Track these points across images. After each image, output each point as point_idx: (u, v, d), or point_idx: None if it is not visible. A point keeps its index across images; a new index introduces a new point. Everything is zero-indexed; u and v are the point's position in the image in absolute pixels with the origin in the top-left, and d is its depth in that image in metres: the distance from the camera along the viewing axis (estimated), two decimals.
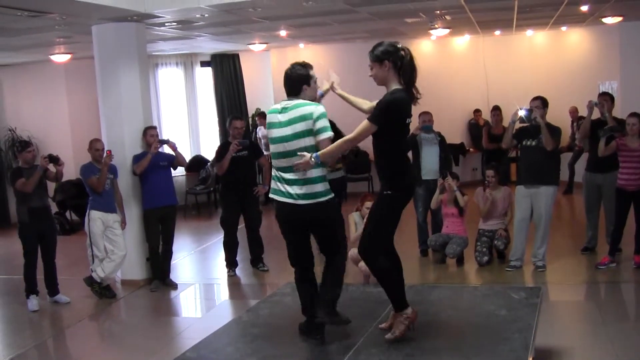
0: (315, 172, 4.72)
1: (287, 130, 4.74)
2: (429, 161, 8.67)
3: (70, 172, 10.85)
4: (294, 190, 4.74)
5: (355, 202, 8.24)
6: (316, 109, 4.72)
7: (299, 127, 4.71)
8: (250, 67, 15.00)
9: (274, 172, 4.90)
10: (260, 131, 13.47)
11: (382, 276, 4.78)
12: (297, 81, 4.84)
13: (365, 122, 4.57)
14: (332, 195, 4.86)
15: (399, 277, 4.86)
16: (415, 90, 4.64)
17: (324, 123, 4.70)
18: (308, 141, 4.72)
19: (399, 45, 4.63)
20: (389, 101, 4.54)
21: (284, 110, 4.81)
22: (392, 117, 4.56)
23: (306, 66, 4.88)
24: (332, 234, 4.96)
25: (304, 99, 4.82)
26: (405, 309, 4.78)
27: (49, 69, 13.13)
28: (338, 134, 5.20)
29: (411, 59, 4.61)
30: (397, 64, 4.56)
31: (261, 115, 13.77)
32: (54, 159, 7.74)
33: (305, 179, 4.71)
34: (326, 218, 4.89)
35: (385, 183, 4.73)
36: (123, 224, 8.29)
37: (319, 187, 4.76)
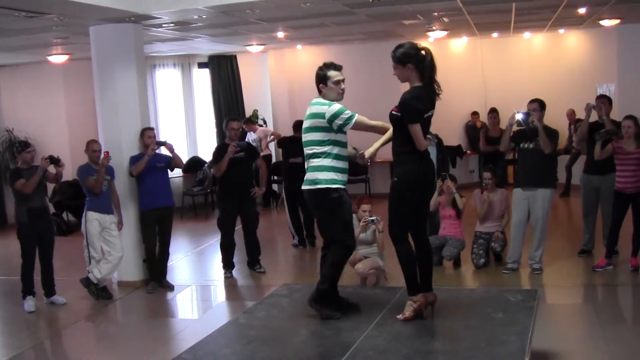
0: (315, 162, 5.24)
1: (304, 124, 5.33)
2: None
3: (68, 173, 10.80)
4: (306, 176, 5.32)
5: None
6: (329, 109, 5.18)
7: (308, 123, 5.28)
8: (248, 69, 14.97)
9: None
10: (251, 136, 13.46)
11: (399, 258, 5.13)
12: (316, 81, 5.33)
13: (410, 128, 4.88)
14: (331, 186, 5.21)
15: (411, 264, 5.09)
16: (436, 85, 4.97)
17: (343, 117, 5.15)
18: (312, 136, 5.25)
19: (419, 46, 4.94)
20: (406, 101, 4.88)
21: (310, 104, 5.33)
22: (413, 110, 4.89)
23: (328, 66, 5.29)
24: (322, 221, 5.49)
25: (325, 98, 5.26)
26: (414, 295, 5.08)
27: (46, 69, 13.10)
28: None
29: (431, 58, 4.92)
30: (419, 66, 4.88)
31: (248, 121, 13.74)
32: (55, 160, 7.73)
33: (310, 167, 5.29)
34: (315, 205, 5.37)
35: (397, 170, 5.06)
36: (120, 225, 8.29)
37: (319, 175, 5.23)
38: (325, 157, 5.23)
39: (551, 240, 8.69)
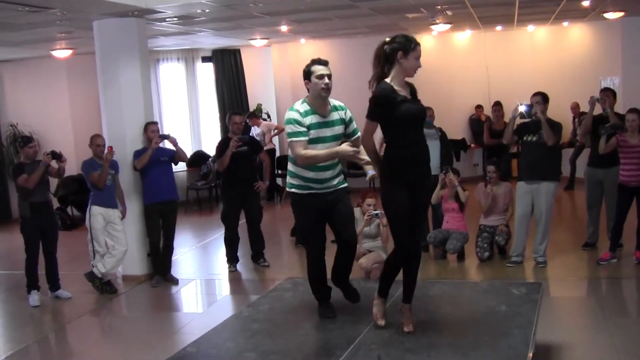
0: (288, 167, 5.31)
1: None
2: (430, 156, 8.64)
3: (72, 167, 10.84)
4: None
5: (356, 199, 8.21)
6: (286, 114, 5.10)
7: None
8: (251, 63, 14.97)
9: None
10: (255, 130, 13.46)
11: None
12: (303, 79, 5.16)
13: None
14: (292, 189, 5.27)
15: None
16: None
17: (287, 130, 5.09)
18: None
19: None
20: None
21: None
22: None
23: (313, 62, 5.13)
24: None
25: (309, 95, 5.14)
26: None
27: (50, 64, 13.12)
28: None
29: None
30: None
31: (251, 115, 13.73)
32: (57, 156, 7.74)
33: None
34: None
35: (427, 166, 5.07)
36: (123, 216, 8.29)
37: (288, 179, 5.33)
38: (292, 163, 5.22)
39: (555, 233, 8.69)
